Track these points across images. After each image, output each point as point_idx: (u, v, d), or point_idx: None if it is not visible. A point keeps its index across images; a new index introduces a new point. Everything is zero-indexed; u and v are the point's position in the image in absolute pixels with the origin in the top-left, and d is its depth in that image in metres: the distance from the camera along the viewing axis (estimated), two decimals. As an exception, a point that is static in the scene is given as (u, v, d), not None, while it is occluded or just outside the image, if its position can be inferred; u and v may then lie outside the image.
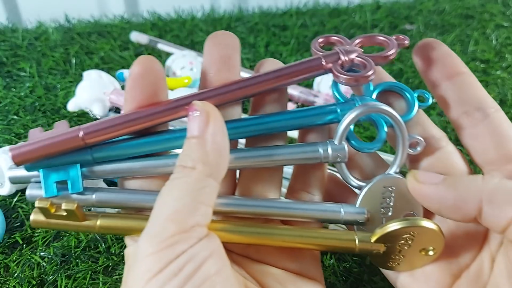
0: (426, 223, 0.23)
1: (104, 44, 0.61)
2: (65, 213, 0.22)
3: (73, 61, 0.58)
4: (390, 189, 0.25)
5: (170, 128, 0.25)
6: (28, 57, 0.58)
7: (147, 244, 0.19)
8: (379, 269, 0.34)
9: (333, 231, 0.24)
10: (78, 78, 0.53)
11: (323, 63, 0.24)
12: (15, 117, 0.48)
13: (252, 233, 0.23)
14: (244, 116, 0.26)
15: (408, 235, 0.23)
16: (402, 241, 0.23)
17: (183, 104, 0.23)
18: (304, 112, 0.25)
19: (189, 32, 0.66)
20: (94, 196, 0.24)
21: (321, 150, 0.24)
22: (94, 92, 0.47)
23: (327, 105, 0.25)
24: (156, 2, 0.72)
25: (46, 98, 0.51)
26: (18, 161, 0.22)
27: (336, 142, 0.24)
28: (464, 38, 0.66)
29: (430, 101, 0.26)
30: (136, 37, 0.62)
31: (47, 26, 0.66)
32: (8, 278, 0.33)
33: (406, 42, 0.25)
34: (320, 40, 0.26)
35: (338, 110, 0.25)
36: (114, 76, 0.51)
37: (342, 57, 0.24)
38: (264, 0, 0.76)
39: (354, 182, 0.26)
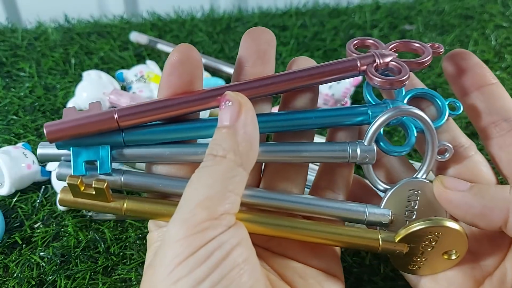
0: (451, 224, 0.23)
1: (103, 44, 0.61)
2: (94, 192, 0.22)
3: (73, 61, 0.58)
4: (415, 192, 0.24)
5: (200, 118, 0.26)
6: (27, 57, 0.58)
7: (177, 228, 0.19)
8: (379, 269, 0.34)
9: (357, 228, 0.24)
10: (78, 78, 0.53)
11: (358, 64, 0.24)
12: (15, 117, 0.48)
13: (276, 225, 0.23)
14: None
15: (432, 235, 0.23)
16: (426, 242, 0.23)
17: (217, 95, 0.23)
18: (335, 111, 0.25)
19: (188, 32, 0.66)
20: (122, 178, 0.24)
21: (349, 150, 0.24)
22: (94, 92, 0.47)
23: (358, 106, 0.25)
24: (155, 2, 0.72)
25: (45, 98, 0.51)
26: (51, 138, 0.22)
27: (365, 143, 0.24)
28: (463, 38, 0.66)
29: (461, 109, 0.26)
30: (136, 37, 0.62)
31: (47, 26, 0.66)
32: (7, 278, 0.33)
33: (441, 50, 0.25)
34: (355, 42, 0.26)
35: (369, 112, 0.25)
36: (113, 76, 0.51)
37: (377, 60, 0.24)
38: (263, 0, 0.76)
39: (380, 185, 0.26)
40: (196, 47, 0.61)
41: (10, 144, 0.44)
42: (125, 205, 0.24)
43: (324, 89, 0.51)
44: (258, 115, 0.23)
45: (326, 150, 0.25)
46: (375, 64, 0.24)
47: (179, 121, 0.25)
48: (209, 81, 0.51)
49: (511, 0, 0.77)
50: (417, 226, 0.23)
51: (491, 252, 0.25)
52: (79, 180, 0.22)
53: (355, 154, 0.24)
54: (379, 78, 0.23)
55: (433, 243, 0.23)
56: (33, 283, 0.33)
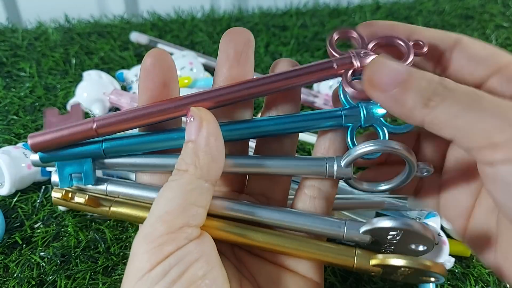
0: (433, 265, 0.22)
1: (104, 45, 0.61)
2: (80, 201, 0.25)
3: (73, 61, 0.58)
4: (398, 231, 0.23)
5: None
6: (28, 57, 0.58)
7: (139, 242, 0.20)
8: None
9: (333, 247, 0.24)
10: (78, 78, 0.53)
11: (335, 66, 0.24)
12: (15, 117, 0.48)
13: (250, 237, 0.24)
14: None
15: (408, 269, 0.23)
16: (401, 270, 0.23)
17: (193, 102, 0.23)
18: (307, 116, 0.25)
19: (189, 33, 0.66)
20: (107, 187, 0.26)
21: (327, 167, 0.24)
22: (94, 92, 0.47)
23: (332, 110, 0.25)
24: (156, 3, 0.72)
25: (46, 98, 0.51)
26: (35, 148, 0.24)
27: (342, 164, 0.24)
28: (464, 38, 0.66)
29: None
30: (136, 37, 0.62)
31: (47, 26, 0.66)
32: (7, 278, 0.33)
33: (424, 50, 0.23)
34: (336, 36, 0.25)
35: (343, 116, 0.25)
36: (114, 77, 0.51)
37: (355, 63, 0.23)
38: (264, 0, 0.76)
39: (363, 187, 0.25)
40: (196, 47, 0.61)
41: (10, 144, 0.44)
42: (111, 210, 0.25)
43: (324, 89, 0.51)
44: (230, 122, 0.24)
45: (304, 165, 0.25)
46: (352, 69, 0.23)
47: (159, 130, 0.25)
48: (209, 81, 0.51)
49: (511, 0, 0.77)
50: (394, 262, 0.22)
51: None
52: (63, 193, 0.25)
53: (332, 172, 0.24)
54: (353, 88, 0.23)
55: (409, 272, 0.23)
56: (33, 283, 0.33)
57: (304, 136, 0.45)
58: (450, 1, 0.78)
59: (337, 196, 0.34)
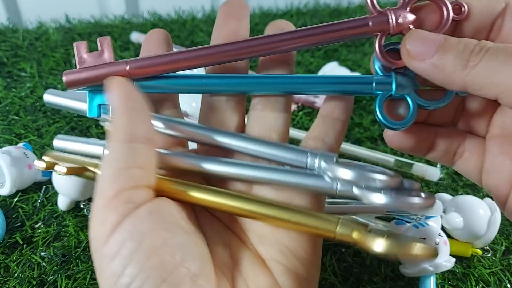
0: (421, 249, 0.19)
1: (104, 45, 0.61)
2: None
3: (74, 61, 0.58)
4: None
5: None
6: (28, 58, 0.58)
7: (91, 219, 0.19)
8: (379, 269, 0.34)
9: (315, 217, 0.22)
10: (79, 79, 0.53)
11: (370, 25, 0.23)
12: (16, 117, 0.48)
13: (229, 204, 0.22)
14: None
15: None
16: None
17: (218, 52, 0.24)
18: (338, 79, 0.24)
19: (189, 33, 0.66)
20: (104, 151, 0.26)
21: (308, 161, 0.23)
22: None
23: (363, 76, 0.24)
24: (156, 3, 0.72)
25: (46, 99, 0.51)
26: (69, 86, 0.24)
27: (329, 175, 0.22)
28: (464, 38, 0.66)
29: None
30: (137, 37, 0.62)
31: (48, 26, 0.66)
32: (8, 278, 0.33)
33: (464, 13, 0.22)
34: None
35: (374, 84, 0.24)
36: (114, 77, 0.51)
37: (392, 24, 0.23)
38: (264, 0, 0.76)
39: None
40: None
41: (11, 144, 0.44)
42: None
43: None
44: (257, 76, 0.25)
45: (283, 156, 0.23)
46: (387, 33, 0.23)
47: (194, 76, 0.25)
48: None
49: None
50: (377, 247, 0.20)
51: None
52: (47, 162, 0.25)
53: (312, 166, 0.23)
54: (384, 60, 0.23)
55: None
56: (34, 283, 0.33)
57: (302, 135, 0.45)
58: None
59: (336, 201, 0.34)
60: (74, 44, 0.24)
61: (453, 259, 0.32)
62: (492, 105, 0.24)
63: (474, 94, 0.20)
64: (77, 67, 0.24)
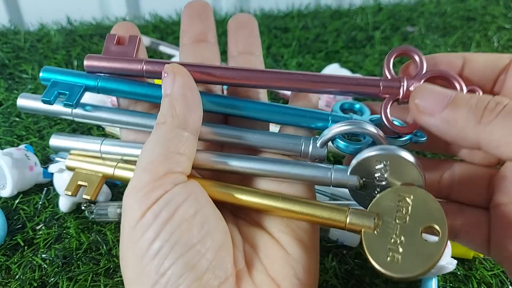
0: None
1: (106, 46, 0.61)
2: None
3: (75, 63, 0.58)
4: (384, 163, 0.22)
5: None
6: (30, 59, 0.58)
7: (128, 195, 0.20)
8: (380, 271, 0.34)
9: (325, 207, 0.23)
10: (80, 80, 0.53)
11: (381, 87, 0.23)
12: (17, 119, 0.48)
13: (238, 197, 0.23)
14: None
15: (400, 202, 0.21)
16: (397, 212, 0.21)
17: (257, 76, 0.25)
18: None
19: (190, 34, 0.66)
20: (100, 147, 0.26)
21: (302, 145, 0.24)
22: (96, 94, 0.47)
23: (321, 113, 0.25)
24: (157, 4, 0.73)
25: (48, 100, 0.51)
26: (88, 70, 0.26)
27: (318, 145, 0.24)
28: (465, 40, 0.66)
29: None
30: (138, 39, 0.62)
31: (49, 28, 0.66)
32: (9, 280, 0.33)
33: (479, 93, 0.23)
34: (396, 53, 0.24)
35: (330, 121, 0.25)
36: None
37: (401, 92, 0.23)
38: (265, 2, 0.76)
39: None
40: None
41: (12, 146, 0.44)
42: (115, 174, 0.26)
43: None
44: (216, 95, 0.25)
45: (279, 142, 0.25)
46: (396, 98, 0.23)
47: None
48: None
49: (513, 1, 0.77)
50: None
51: None
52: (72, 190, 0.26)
53: (306, 152, 0.24)
54: (389, 125, 0.23)
55: (404, 212, 0.21)
56: (35, 285, 0.33)
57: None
58: (452, 2, 0.78)
59: (333, 202, 0.34)
60: (107, 34, 0.26)
61: (455, 261, 0.32)
62: (489, 171, 0.24)
63: (487, 152, 0.19)
64: (102, 54, 0.26)
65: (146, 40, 0.61)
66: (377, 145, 0.23)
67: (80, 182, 0.26)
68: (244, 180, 0.25)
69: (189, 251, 0.19)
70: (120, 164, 0.26)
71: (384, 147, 0.22)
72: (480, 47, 0.64)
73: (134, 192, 0.20)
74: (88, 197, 0.25)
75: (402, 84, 0.23)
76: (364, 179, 0.23)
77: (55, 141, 0.27)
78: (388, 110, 0.23)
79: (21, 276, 0.33)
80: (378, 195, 0.22)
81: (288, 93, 0.51)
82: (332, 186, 0.24)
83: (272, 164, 0.24)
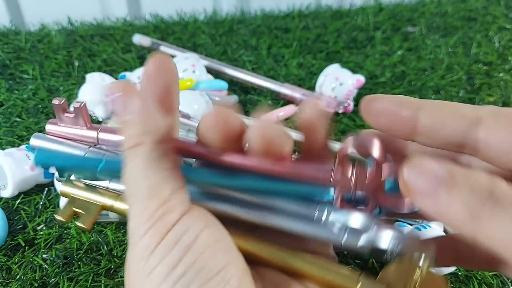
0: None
1: (106, 47, 0.62)
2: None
3: (76, 63, 0.58)
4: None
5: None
6: (31, 60, 0.59)
7: (135, 228, 0.19)
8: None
9: (338, 268, 0.22)
10: (81, 81, 0.53)
11: (331, 178, 0.21)
12: (18, 119, 0.48)
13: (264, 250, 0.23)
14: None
15: (409, 274, 0.21)
16: (406, 285, 0.21)
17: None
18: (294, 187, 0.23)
19: (191, 35, 0.66)
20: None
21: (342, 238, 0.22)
22: (97, 94, 0.47)
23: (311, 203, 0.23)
24: (158, 5, 0.73)
25: (48, 101, 0.51)
26: (48, 133, 0.26)
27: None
28: (466, 40, 0.66)
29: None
30: (139, 39, 0.62)
31: (50, 28, 0.66)
32: (10, 280, 0.33)
33: None
34: (350, 150, 0.22)
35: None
36: (116, 79, 0.51)
37: (353, 186, 0.21)
38: (266, 2, 0.76)
39: None
40: (199, 49, 0.61)
41: (13, 146, 0.44)
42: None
43: (327, 91, 0.51)
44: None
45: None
46: (348, 190, 0.21)
47: None
48: (212, 83, 0.51)
49: (514, 2, 0.77)
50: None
51: None
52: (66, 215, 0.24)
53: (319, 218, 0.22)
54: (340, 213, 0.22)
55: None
56: (36, 285, 0.33)
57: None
58: (453, 3, 0.77)
59: None
60: (52, 103, 0.24)
61: None
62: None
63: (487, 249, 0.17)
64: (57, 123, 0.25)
65: (146, 41, 0.61)
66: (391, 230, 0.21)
67: (75, 209, 0.24)
68: (248, 229, 0.24)
69: (215, 277, 0.18)
70: (122, 196, 0.24)
71: (398, 238, 0.21)
72: (481, 47, 0.64)
73: (145, 220, 0.19)
74: (84, 227, 0.24)
75: (353, 180, 0.21)
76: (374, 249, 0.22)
77: (35, 141, 0.26)
78: (339, 197, 0.22)
79: (22, 277, 0.33)
80: (389, 265, 0.21)
81: (289, 93, 0.51)
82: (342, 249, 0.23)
83: (286, 219, 0.23)
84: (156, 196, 0.19)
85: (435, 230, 0.33)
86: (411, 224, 0.34)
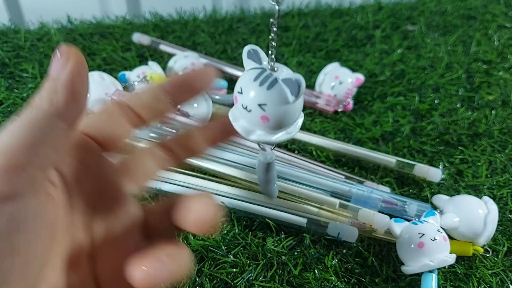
0: None
1: (106, 45, 0.61)
2: None
3: (75, 62, 0.58)
4: None
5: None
6: (30, 58, 0.58)
7: None
8: (381, 270, 0.34)
9: None
10: (80, 79, 0.53)
11: None
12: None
13: None
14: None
15: None
16: None
17: None
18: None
19: (191, 33, 0.66)
20: None
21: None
22: (96, 93, 0.47)
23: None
24: (158, 3, 0.72)
25: (48, 99, 0.51)
26: None
27: None
28: (466, 39, 0.66)
29: None
30: (138, 38, 0.62)
31: (50, 27, 0.66)
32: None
33: None
34: None
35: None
36: (116, 78, 0.51)
37: None
38: (265, 1, 0.76)
39: None
40: (198, 48, 0.61)
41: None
42: None
43: (326, 89, 0.51)
44: None
45: None
46: None
47: None
48: (211, 82, 0.51)
49: (514, 0, 0.77)
50: None
51: None
52: None
53: None
54: None
55: None
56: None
57: (303, 136, 0.45)
58: (452, 1, 0.77)
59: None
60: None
61: (454, 255, 0.32)
62: None
63: None
64: None
65: (146, 39, 0.61)
66: None
67: None
68: None
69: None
70: None
71: None
72: (481, 45, 0.64)
73: None
74: None
75: None
76: None
77: None
78: None
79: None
80: None
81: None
82: None
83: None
84: (6, 156, 0.17)
85: (431, 224, 0.33)
86: (409, 220, 0.34)
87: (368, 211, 0.36)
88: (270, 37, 0.23)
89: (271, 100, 0.22)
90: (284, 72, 0.23)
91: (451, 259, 0.32)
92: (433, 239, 0.32)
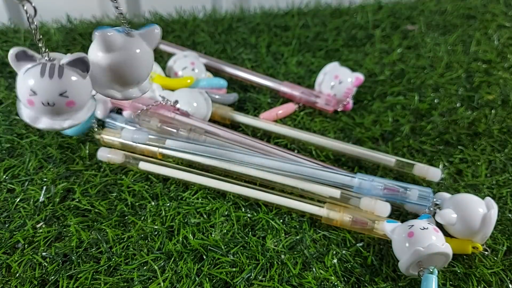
0: None
1: (106, 45, 0.61)
2: None
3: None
4: None
5: None
6: (30, 58, 0.58)
7: None
8: (381, 269, 0.34)
9: None
10: (80, 79, 0.53)
11: None
12: (17, 117, 0.48)
13: None
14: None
15: None
16: None
17: None
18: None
19: (190, 33, 0.66)
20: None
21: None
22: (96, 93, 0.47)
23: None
24: (157, 3, 0.72)
25: (48, 99, 0.51)
26: None
27: None
28: (466, 38, 0.66)
29: None
30: (138, 37, 0.62)
31: (49, 26, 0.66)
32: (10, 278, 0.33)
33: None
34: None
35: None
36: (115, 77, 0.51)
37: None
38: (265, 0, 0.76)
39: None
40: (198, 47, 0.61)
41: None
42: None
43: (326, 89, 0.51)
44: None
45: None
46: None
47: None
48: (211, 81, 0.51)
49: (513, 0, 0.77)
50: None
51: None
52: None
53: None
54: None
55: None
56: (35, 283, 0.33)
57: (303, 136, 0.45)
58: (452, 1, 0.77)
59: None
60: None
61: (448, 245, 0.32)
62: None
63: None
64: None
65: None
66: None
67: None
68: None
69: None
70: None
71: None
72: (480, 45, 0.64)
73: None
74: None
75: None
76: None
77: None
78: None
79: (22, 274, 0.33)
80: None
81: (288, 91, 0.51)
82: None
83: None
84: None
85: (423, 221, 0.34)
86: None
87: (369, 199, 0.37)
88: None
89: (68, 86, 0.25)
90: (63, 57, 0.25)
91: (443, 245, 0.32)
92: (422, 228, 0.32)
